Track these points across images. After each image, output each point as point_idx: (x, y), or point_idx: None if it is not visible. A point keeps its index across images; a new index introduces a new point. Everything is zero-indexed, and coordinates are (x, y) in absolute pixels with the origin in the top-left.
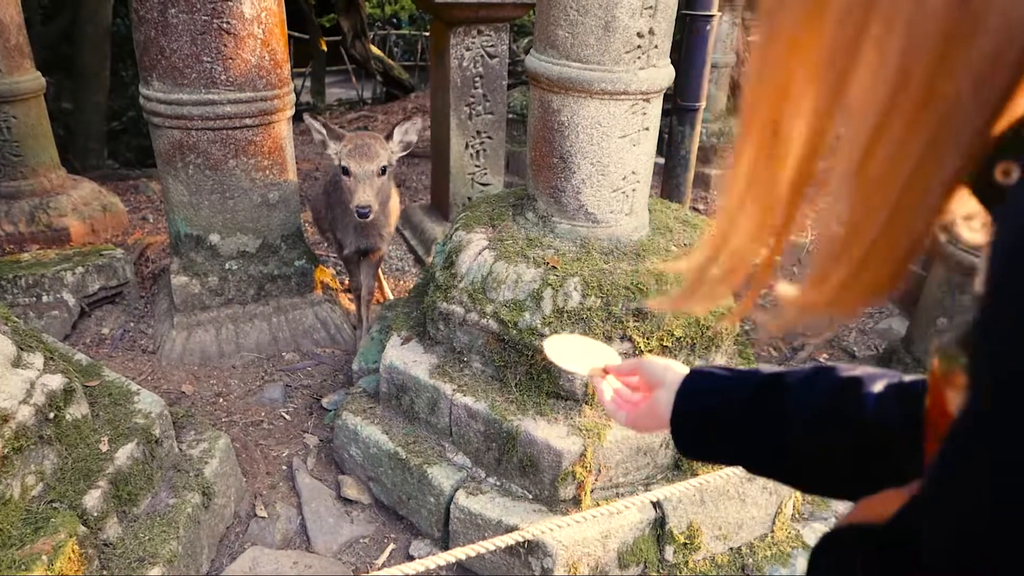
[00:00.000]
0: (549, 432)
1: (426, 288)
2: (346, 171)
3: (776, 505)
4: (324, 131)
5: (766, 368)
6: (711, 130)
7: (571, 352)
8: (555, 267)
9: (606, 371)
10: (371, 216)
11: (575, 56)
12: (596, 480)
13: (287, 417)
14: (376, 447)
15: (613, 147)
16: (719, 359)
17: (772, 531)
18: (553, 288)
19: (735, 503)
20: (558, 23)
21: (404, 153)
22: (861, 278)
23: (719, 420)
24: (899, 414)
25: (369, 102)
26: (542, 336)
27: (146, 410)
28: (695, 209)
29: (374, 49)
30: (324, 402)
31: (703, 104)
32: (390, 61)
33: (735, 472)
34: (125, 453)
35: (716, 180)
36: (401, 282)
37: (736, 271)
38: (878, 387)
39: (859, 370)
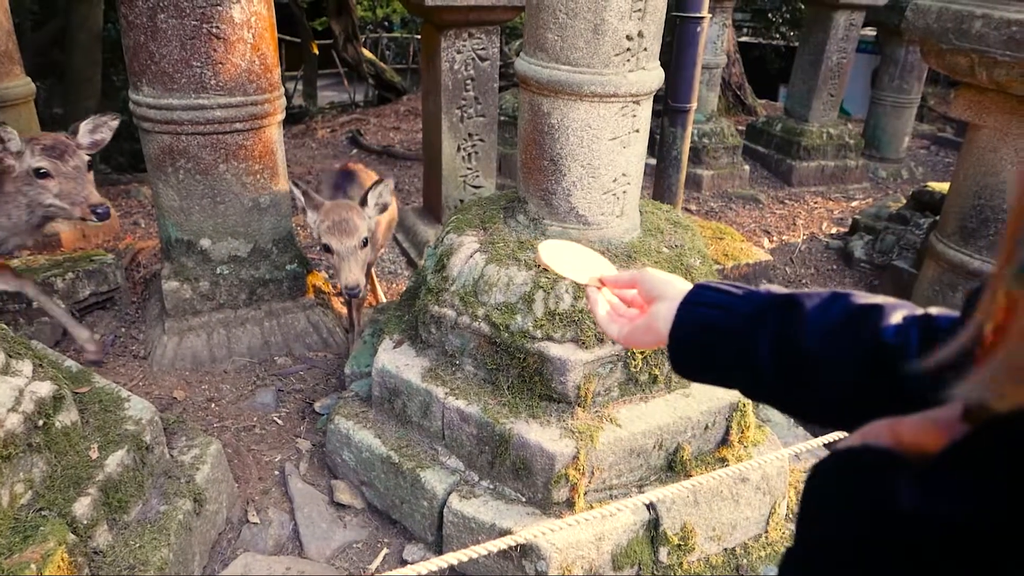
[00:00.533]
0: (542, 435)
1: (418, 291)
2: (327, 248)
3: (770, 505)
4: (303, 199)
5: (778, 289)
6: (702, 131)
7: (567, 259)
8: (546, 269)
9: (602, 282)
10: (361, 294)
11: (564, 59)
12: (589, 482)
13: (279, 422)
14: (369, 451)
15: (603, 149)
16: None
17: (766, 531)
18: (544, 291)
19: (728, 504)
20: (547, 26)
21: (380, 215)
22: None
23: (723, 332)
24: (918, 342)
25: (361, 105)
26: (534, 339)
27: (136, 416)
28: (687, 210)
29: (366, 52)
30: (316, 406)
31: (694, 105)
32: (382, 64)
33: (728, 473)
34: (115, 460)
35: (707, 181)
36: (393, 285)
37: None
38: (897, 316)
39: (879, 298)
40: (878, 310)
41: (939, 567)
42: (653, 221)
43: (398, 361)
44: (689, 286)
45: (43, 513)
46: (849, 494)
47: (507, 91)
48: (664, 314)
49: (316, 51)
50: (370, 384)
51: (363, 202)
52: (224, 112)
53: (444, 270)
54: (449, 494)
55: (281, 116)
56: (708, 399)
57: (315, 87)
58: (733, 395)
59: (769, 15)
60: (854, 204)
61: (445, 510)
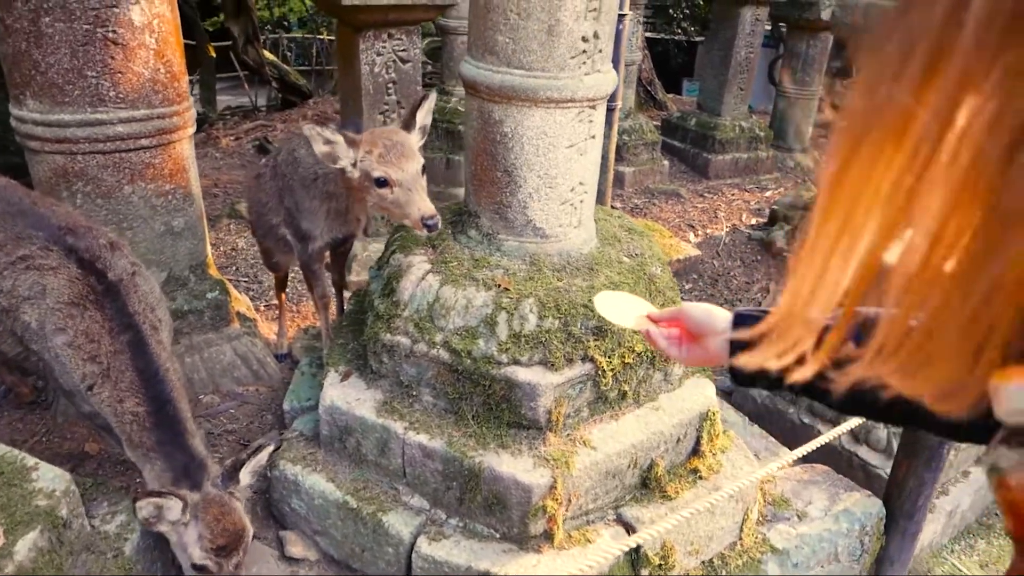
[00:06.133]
0: (514, 466)
1: (360, 316)
2: (382, 182)
3: (743, 512)
4: (338, 138)
5: None
6: (622, 128)
7: (616, 307)
8: (507, 289)
9: (650, 318)
10: (440, 226)
11: (517, 63)
12: (567, 511)
13: None
14: (322, 497)
15: (560, 158)
16: (678, 371)
17: (740, 538)
18: (508, 311)
19: (705, 516)
20: (497, 28)
21: (422, 142)
22: (928, 365)
23: None
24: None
25: (263, 109)
26: (500, 364)
27: (48, 488)
28: (613, 207)
29: (267, 54)
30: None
31: (619, 103)
32: (285, 66)
33: (702, 488)
34: (26, 545)
35: (629, 177)
36: None
37: (802, 340)
38: None
39: None
40: None
41: None
42: (608, 229)
43: (348, 396)
44: (727, 316)
45: None
46: None
47: None
48: (719, 347)
49: (213, 53)
50: (316, 421)
51: (407, 125)
52: (127, 127)
53: (394, 294)
54: (416, 537)
55: (192, 129)
56: (679, 411)
57: (214, 92)
58: (702, 405)
59: (670, 11)
60: (768, 194)
61: (414, 555)
